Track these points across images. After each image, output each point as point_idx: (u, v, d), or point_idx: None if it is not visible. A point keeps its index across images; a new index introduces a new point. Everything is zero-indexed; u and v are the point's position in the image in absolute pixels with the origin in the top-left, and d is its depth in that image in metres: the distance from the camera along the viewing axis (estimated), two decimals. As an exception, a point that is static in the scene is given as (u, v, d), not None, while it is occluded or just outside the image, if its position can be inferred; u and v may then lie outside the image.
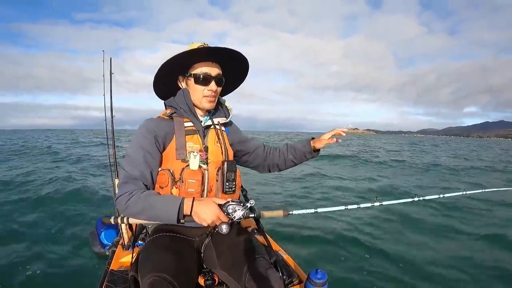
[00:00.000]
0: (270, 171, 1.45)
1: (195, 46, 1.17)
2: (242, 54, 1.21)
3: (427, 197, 1.51)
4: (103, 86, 2.36)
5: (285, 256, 1.29)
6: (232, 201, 1.06)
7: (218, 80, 1.20)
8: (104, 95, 2.39)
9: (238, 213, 1.04)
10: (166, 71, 1.20)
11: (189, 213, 1.04)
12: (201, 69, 1.18)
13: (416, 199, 1.47)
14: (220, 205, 1.06)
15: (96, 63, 2.36)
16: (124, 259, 1.49)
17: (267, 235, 1.48)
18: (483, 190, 1.80)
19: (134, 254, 1.24)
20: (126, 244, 1.57)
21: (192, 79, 1.19)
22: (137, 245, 1.38)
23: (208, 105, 1.22)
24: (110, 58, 2.31)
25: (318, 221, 3.44)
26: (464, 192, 1.70)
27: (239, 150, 1.40)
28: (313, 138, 1.37)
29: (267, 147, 1.46)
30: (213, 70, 1.19)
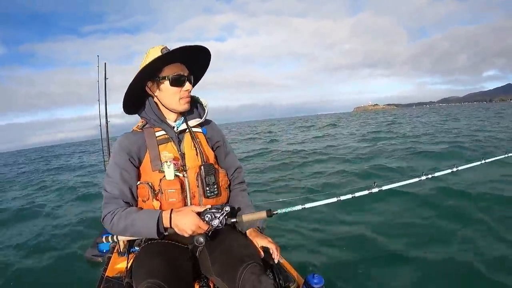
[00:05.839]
0: None
1: (157, 50, 1.13)
2: (204, 47, 1.17)
3: (436, 174, 1.33)
4: (101, 92, 2.37)
5: (282, 260, 1.25)
6: (210, 208, 1.05)
7: (190, 79, 1.19)
8: (99, 100, 2.37)
9: (216, 221, 1.03)
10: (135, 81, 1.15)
11: (169, 225, 1.05)
12: (173, 71, 1.15)
13: (423, 177, 1.29)
14: (199, 213, 1.04)
15: (107, 72, 2.34)
16: (119, 265, 1.50)
17: None
18: (507, 155, 1.58)
19: (129, 261, 1.24)
20: (121, 250, 1.58)
21: (167, 82, 1.15)
22: (132, 251, 1.37)
23: (186, 106, 1.20)
24: (105, 63, 2.31)
25: (315, 223, 3.33)
26: (483, 161, 1.49)
27: (215, 153, 1.31)
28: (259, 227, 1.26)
29: (236, 175, 1.36)
30: (184, 70, 1.17)
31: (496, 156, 1.55)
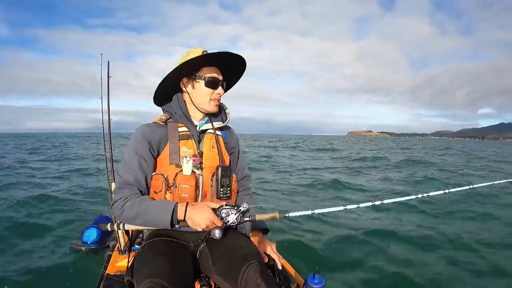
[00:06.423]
0: None
1: (198, 51, 1.17)
2: (243, 59, 1.23)
3: (431, 193, 1.43)
4: (101, 89, 2.36)
5: (282, 261, 1.26)
6: (226, 205, 1.06)
7: (223, 84, 1.24)
8: (101, 97, 2.39)
9: (232, 217, 1.04)
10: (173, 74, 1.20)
11: (183, 218, 1.04)
12: (211, 73, 1.20)
13: (420, 195, 1.40)
14: (214, 209, 1.05)
15: (110, 70, 2.33)
16: (120, 263, 1.49)
17: None
18: (492, 183, 1.71)
19: (130, 259, 1.24)
20: (122, 248, 1.56)
21: (202, 82, 1.19)
22: (133, 250, 1.37)
23: (215, 108, 1.24)
24: (108, 61, 2.31)
25: (316, 224, 3.40)
26: (471, 186, 1.62)
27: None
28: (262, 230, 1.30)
29: (243, 182, 1.41)
30: (220, 75, 1.23)
31: (484, 182, 1.68)
